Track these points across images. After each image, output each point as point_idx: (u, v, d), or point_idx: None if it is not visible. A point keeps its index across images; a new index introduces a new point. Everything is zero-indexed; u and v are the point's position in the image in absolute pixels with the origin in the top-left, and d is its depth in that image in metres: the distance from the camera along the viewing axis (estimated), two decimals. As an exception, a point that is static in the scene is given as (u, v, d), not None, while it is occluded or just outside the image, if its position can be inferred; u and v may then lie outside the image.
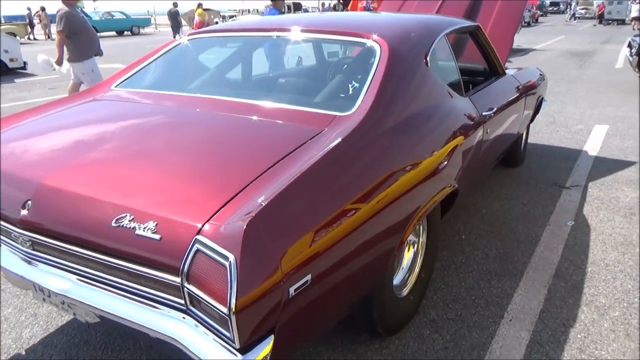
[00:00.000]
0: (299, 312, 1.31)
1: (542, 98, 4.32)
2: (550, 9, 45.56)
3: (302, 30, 2.42)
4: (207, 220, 1.26)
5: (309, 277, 1.29)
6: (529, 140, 5.09)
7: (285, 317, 1.26)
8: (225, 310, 1.11)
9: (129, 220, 1.33)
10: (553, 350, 2.05)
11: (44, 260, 1.55)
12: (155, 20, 35.64)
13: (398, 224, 1.73)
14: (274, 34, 2.51)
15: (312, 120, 1.79)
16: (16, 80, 10.48)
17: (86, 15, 27.83)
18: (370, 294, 1.79)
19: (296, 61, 3.14)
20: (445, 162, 2.03)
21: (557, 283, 2.52)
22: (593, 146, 4.89)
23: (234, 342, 1.15)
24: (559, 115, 6.22)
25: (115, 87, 2.45)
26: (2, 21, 28.58)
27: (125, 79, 2.49)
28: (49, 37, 26.24)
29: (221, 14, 36.35)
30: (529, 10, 27.82)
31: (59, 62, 5.56)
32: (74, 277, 1.48)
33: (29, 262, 1.57)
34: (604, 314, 2.28)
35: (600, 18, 28.66)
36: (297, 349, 1.49)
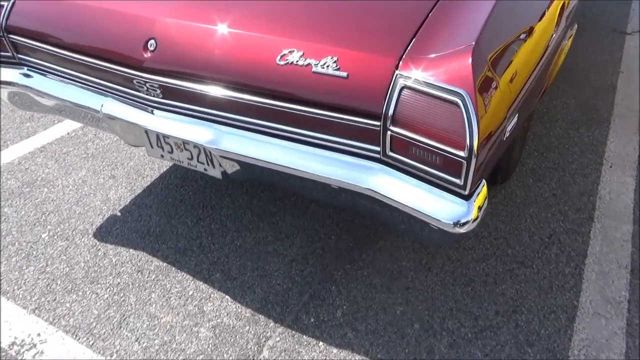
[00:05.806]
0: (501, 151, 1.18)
1: None
2: None
3: None
4: (404, 52, 1.06)
5: (517, 116, 1.14)
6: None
7: (491, 157, 1.13)
8: (462, 153, 0.97)
9: (299, 57, 1.12)
10: (661, 194, 2.04)
11: (178, 110, 1.34)
12: None
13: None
14: None
15: None
16: None
17: None
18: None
19: None
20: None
21: (647, 129, 2.46)
22: (645, -11, 4.54)
23: (463, 188, 1.03)
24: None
25: None
26: None
27: None
28: None
29: None
30: None
31: None
32: (219, 125, 1.29)
33: (151, 112, 1.36)
34: (701, 158, 2.25)
35: None
36: None
